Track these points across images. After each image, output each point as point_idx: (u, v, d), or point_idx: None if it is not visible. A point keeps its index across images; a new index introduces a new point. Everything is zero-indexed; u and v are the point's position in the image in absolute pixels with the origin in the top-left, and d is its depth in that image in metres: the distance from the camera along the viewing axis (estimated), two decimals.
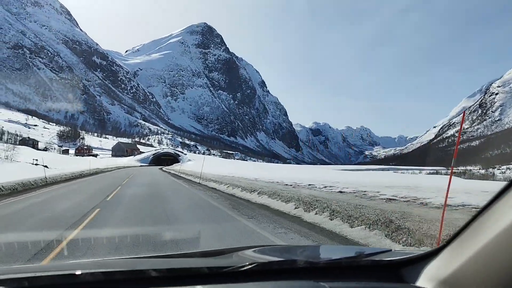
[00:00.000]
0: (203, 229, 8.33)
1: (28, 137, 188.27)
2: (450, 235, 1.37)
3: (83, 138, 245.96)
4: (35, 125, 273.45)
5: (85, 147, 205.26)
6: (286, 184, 19.80)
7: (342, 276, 1.53)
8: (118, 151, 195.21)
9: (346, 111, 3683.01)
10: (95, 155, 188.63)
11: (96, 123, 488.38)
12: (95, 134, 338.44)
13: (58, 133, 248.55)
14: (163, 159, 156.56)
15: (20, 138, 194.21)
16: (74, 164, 57.31)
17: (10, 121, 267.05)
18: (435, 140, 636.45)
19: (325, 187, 16.92)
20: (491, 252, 1.07)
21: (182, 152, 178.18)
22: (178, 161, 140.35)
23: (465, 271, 1.14)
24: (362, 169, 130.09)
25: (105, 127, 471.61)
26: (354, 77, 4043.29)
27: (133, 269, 1.58)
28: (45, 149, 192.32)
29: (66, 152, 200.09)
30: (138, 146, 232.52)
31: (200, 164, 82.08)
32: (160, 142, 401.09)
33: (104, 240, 7.19)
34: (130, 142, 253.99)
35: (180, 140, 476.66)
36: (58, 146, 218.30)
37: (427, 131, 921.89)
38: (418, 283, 1.35)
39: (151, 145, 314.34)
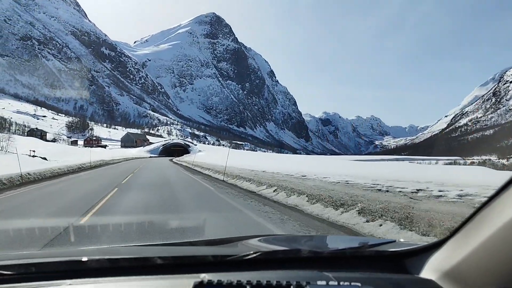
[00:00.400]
0: None
1: (36, 128, 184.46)
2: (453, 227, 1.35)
3: (92, 129, 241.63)
4: (44, 116, 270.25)
5: (94, 138, 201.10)
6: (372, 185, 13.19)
7: (346, 266, 1.52)
8: (127, 141, 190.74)
9: (356, 101, 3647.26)
10: (104, 146, 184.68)
11: (105, 114, 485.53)
12: (104, 125, 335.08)
13: (67, 124, 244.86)
14: (173, 150, 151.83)
15: (28, 129, 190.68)
16: (77, 155, 52.49)
17: (19, 112, 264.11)
18: (447, 130, 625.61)
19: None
20: (495, 244, 1.06)
21: (192, 143, 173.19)
22: (188, 152, 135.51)
23: (469, 263, 1.14)
24: (376, 159, 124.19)
25: (114, 118, 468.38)
26: (364, 66, 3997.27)
27: (138, 256, 1.58)
28: (54, 140, 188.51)
29: (75, 143, 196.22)
30: (147, 136, 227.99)
31: (212, 155, 76.34)
32: (169, 133, 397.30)
33: None
34: (139, 132, 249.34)
35: (190, 130, 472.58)
36: (67, 137, 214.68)
37: (438, 120, 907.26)
38: (421, 274, 1.36)
39: (160, 136, 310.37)
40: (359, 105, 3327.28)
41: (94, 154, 59.06)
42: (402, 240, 2.55)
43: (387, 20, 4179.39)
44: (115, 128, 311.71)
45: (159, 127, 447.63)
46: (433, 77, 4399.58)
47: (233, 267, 1.46)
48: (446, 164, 78.25)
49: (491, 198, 1.10)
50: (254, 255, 1.50)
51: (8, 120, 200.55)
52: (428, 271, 1.32)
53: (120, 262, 1.49)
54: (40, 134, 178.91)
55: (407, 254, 1.53)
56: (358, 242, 2.03)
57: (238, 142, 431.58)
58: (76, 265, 1.43)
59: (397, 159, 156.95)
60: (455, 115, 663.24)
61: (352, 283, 1.08)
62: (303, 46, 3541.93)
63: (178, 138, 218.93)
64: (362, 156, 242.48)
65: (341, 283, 1.08)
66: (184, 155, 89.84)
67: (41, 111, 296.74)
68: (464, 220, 1.25)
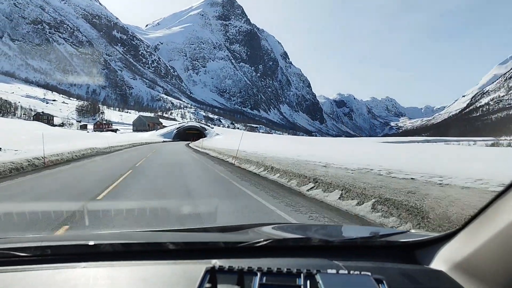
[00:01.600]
0: None
1: (43, 112, 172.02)
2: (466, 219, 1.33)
3: (102, 113, 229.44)
4: (54, 100, 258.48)
5: (104, 122, 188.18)
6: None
7: (357, 255, 1.51)
8: (139, 125, 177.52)
9: (370, 82, 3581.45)
10: (115, 130, 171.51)
11: (118, 98, 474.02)
12: (116, 109, 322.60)
13: (77, 108, 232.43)
14: (188, 134, 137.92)
15: (35, 113, 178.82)
16: (80, 141, 39.61)
17: (28, 96, 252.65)
18: (467, 110, 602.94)
19: None
20: (508, 236, 1.05)
21: (209, 125, 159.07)
22: (204, 136, 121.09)
23: (481, 254, 1.12)
24: (404, 141, 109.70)
25: (127, 102, 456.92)
26: (379, 47, 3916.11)
27: (151, 241, 1.59)
28: (62, 125, 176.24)
29: (84, 127, 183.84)
30: (161, 120, 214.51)
31: (233, 138, 61.44)
32: (183, 116, 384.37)
33: None
34: (152, 115, 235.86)
35: (204, 114, 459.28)
36: (77, 121, 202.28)
37: (456, 100, 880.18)
38: (432, 265, 1.34)
39: (174, 119, 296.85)
40: (374, 86, 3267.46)
41: (94, 140, 45.25)
42: (413, 231, 2.68)
43: None
44: (127, 112, 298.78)
45: (173, 111, 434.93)
46: (449, 57, 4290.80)
47: (244, 254, 1.47)
48: (488, 145, 63.45)
49: (505, 191, 1.09)
50: (265, 242, 1.50)
51: (14, 104, 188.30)
52: (439, 262, 1.32)
53: (133, 247, 1.51)
54: (47, 119, 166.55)
55: (418, 245, 1.52)
56: (369, 232, 2.06)
57: (253, 125, 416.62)
58: (90, 248, 1.44)
59: (427, 141, 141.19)
60: (475, 94, 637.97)
61: (362, 272, 1.07)
62: (316, 27, 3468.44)
63: (194, 121, 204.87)
64: (389, 137, 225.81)
65: (351, 272, 1.07)
66: (201, 139, 76.32)
67: (52, 95, 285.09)
68: (477, 211, 1.23)
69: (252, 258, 1.38)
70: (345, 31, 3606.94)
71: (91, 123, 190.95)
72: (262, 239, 1.51)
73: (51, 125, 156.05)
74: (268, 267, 1.09)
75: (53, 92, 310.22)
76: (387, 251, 1.57)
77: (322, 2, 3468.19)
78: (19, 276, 1.17)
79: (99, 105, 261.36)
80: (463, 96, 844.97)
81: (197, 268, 1.11)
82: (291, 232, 2.11)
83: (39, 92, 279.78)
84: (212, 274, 0.94)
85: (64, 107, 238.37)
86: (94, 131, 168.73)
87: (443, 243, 1.37)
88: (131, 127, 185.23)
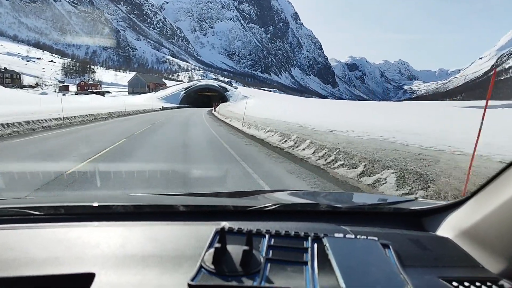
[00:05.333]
0: None
1: (5, 68, 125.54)
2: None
3: (94, 72, 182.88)
4: (39, 58, 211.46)
5: (91, 83, 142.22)
6: None
7: (364, 221, 1.47)
8: (136, 86, 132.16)
9: (382, 45, 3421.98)
10: (102, 93, 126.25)
11: (120, 60, 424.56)
12: (111, 69, 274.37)
13: (63, 67, 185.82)
14: (201, 97, 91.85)
15: None
16: None
17: (8, 53, 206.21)
18: (491, 72, 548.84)
19: None
20: None
21: (230, 84, 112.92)
22: (226, 99, 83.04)
23: (488, 223, 1.10)
24: (478, 105, 72.13)
25: (130, 64, 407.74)
26: (390, 8, 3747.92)
27: (161, 203, 1.59)
28: (35, 86, 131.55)
29: (65, 88, 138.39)
30: (165, 81, 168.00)
31: (274, 104, 48.09)
32: (191, 79, 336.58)
33: None
34: (153, 75, 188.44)
35: (213, 76, 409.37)
36: (59, 82, 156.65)
37: (472, 63, 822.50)
38: (438, 232, 1.32)
39: (181, 82, 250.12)
40: (387, 49, 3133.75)
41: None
42: (421, 199, 2.48)
43: None
44: (124, 72, 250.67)
45: (179, 73, 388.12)
46: (463, 17, 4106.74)
47: (253, 217, 1.46)
48: None
49: None
50: (274, 206, 1.49)
51: None
52: (446, 229, 1.30)
53: (144, 208, 1.51)
54: (10, 77, 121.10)
55: (425, 213, 1.48)
56: (378, 199, 2.00)
57: (266, 89, 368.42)
58: (103, 209, 1.45)
59: (502, 106, 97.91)
60: (501, 55, 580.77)
61: (369, 237, 1.07)
62: None
63: (210, 79, 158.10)
64: (450, 101, 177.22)
65: (358, 236, 1.08)
66: (226, 105, 40.02)
67: (38, 53, 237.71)
68: (487, 180, 1.20)
69: (260, 222, 1.35)
70: None
71: (75, 84, 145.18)
72: (270, 204, 1.51)
73: (19, 88, 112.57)
74: (276, 230, 1.09)
75: (44, 51, 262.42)
76: (395, 218, 1.55)
77: None
78: (34, 233, 1.19)
79: (91, 66, 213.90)
80: (480, 58, 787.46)
81: (207, 229, 1.11)
82: (299, 198, 2.11)
83: (24, 49, 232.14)
84: (221, 235, 0.93)
85: (49, 66, 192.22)
86: (78, 93, 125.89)
87: (451, 211, 1.36)
88: (127, 89, 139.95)
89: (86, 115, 23.84)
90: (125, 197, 2.02)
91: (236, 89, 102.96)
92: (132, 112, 37.27)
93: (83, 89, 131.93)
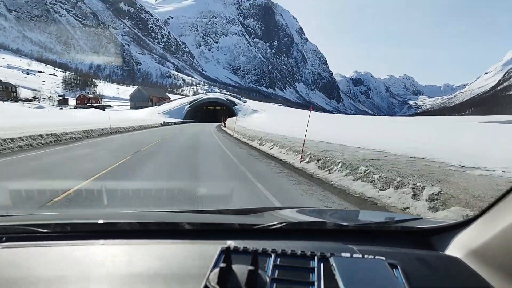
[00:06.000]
0: None
1: (0, 80, 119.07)
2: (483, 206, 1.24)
3: (95, 86, 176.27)
4: (39, 71, 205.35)
5: (90, 96, 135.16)
6: None
7: (371, 240, 1.44)
8: (138, 100, 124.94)
9: (387, 60, 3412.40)
10: (102, 107, 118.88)
11: (125, 74, 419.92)
12: (114, 83, 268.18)
13: (64, 80, 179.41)
14: (208, 112, 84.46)
15: None
16: None
17: (9, 66, 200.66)
18: (500, 86, 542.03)
19: None
20: None
21: (239, 98, 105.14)
22: (234, 114, 76.06)
23: (498, 242, 1.06)
24: (494, 120, 75.11)
25: (135, 78, 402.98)
26: (395, 23, 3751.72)
27: (168, 221, 1.57)
28: (32, 99, 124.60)
29: (64, 102, 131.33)
30: (169, 95, 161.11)
31: (286, 119, 46.73)
32: (195, 94, 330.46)
33: None
34: (155, 89, 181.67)
35: (218, 91, 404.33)
36: (59, 95, 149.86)
37: (478, 77, 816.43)
38: (447, 252, 1.28)
39: (186, 96, 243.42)
40: (391, 64, 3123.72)
41: None
42: (429, 217, 2.39)
43: None
44: (127, 85, 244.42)
45: (184, 88, 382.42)
46: (468, 33, 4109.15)
47: (259, 236, 1.44)
48: None
49: None
50: (280, 225, 1.46)
51: None
52: (455, 249, 1.26)
53: (150, 226, 1.50)
54: (6, 90, 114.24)
55: (434, 231, 1.45)
56: (385, 217, 1.96)
57: (271, 104, 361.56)
58: (108, 226, 1.44)
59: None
60: (508, 70, 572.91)
61: (377, 257, 1.03)
62: (331, 2, 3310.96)
63: (217, 92, 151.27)
64: (462, 116, 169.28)
65: (365, 256, 1.04)
66: (232, 119, 46.61)
67: (40, 66, 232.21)
68: (496, 199, 1.17)
69: (266, 240, 1.34)
70: (361, 7, 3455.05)
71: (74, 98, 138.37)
72: (276, 222, 1.48)
73: (16, 101, 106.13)
74: (282, 249, 1.08)
75: (47, 65, 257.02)
76: (402, 237, 1.51)
77: None
78: (41, 251, 1.18)
79: (94, 79, 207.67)
80: (486, 73, 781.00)
81: (212, 248, 1.10)
82: (306, 216, 2.08)
83: (25, 63, 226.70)
84: (227, 254, 0.91)
85: (49, 80, 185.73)
86: (77, 107, 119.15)
87: (460, 229, 1.32)
88: (129, 103, 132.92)
89: (46, 135, 15.85)
90: (130, 214, 2.00)
91: (245, 102, 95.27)
92: (122, 129, 29.17)
93: (82, 103, 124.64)
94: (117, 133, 25.95)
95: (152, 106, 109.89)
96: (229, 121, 48.53)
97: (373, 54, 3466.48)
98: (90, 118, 46.30)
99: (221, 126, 46.49)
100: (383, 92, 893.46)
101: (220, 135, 26.14)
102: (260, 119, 55.10)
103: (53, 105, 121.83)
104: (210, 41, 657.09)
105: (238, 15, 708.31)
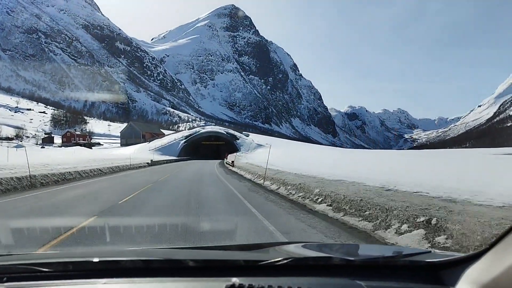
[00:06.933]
0: None
1: None
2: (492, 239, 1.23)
3: (86, 123, 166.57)
4: (29, 109, 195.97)
5: (77, 134, 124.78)
6: None
7: (379, 275, 1.41)
8: (129, 137, 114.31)
9: (381, 94, 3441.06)
10: (90, 146, 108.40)
11: (119, 112, 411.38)
12: (117, 121, 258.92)
13: (53, 118, 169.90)
14: (207, 147, 73.95)
15: None
16: None
17: None
18: (496, 119, 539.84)
19: None
20: None
21: (240, 132, 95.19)
22: (236, 149, 67.34)
23: (509, 276, 1.03)
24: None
25: (130, 116, 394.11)
26: (387, 58, 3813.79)
27: (171, 258, 1.54)
28: (13, 138, 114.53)
29: (49, 140, 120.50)
30: (163, 131, 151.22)
31: (294, 153, 48.40)
32: (191, 129, 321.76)
33: None
34: (148, 124, 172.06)
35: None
36: (45, 133, 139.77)
37: (471, 110, 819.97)
38: (458, 287, 1.23)
39: (181, 131, 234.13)
40: (385, 98, 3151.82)
41: None
42: (437, 251, 2.45)
43: (408, 8, 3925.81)
44: (120, 122, 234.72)
45: (180, 124, 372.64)
46: (460, 66, 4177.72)
47: (264, 272, 1.39)
48: None
49: None
50: (285, 261, 1.42)
51: None
52: (465, 283, 1.21)
53: (153, 264, 1.46)
54: None
55: (443, 266, 1.40)
56: (392, 251, 1.91)
57: (275, 138, 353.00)
58: (111, 265, 1.41)
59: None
60: (503, 102, 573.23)
61: None
62: (324, 39, 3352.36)
63: (215, 126, 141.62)
64: (476, 149, 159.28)
65: None
66: (236, 155, 40.93)
67: (31, 104, 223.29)
68: (504, 231, 1.15)
69: (272, 277, 1.30)
70: (353, 44, 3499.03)
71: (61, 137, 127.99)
72: (282, 258, 1.44)
73: None
74: (289, 286, 1.05)
75: (38, 103, 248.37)
76: (411, 272, 1.46)
77: (330, 15, 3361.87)
78: None
79: (85, 117, 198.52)
80: (479, 106, 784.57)
81: (217, 286, 1.07)
82: (312, 251, 2.00)
83: (14, 101, 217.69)
84: None
85: (38, 118, 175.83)
86: (62, 145, 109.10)
87: (470, 263, 1.27)
88: (120, 140, 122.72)
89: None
90: (133, 252, 1.97)
91: (248, 136, 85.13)
92: (82, 174, 18.70)
93: (69, 141, 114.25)
94: (73, 182, 15.24)
95: (146, 142, 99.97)
96: (230, 157, 42.22)
97: (367, 89, 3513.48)
98: (60, 158, 35.93)
99: (226, 164, 40.12)
100: (378, 126, 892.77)
101: (234, 182, 15.57)
102: (271, 155, 45.03)
103: (37, 144, 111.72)
104: (206, 78, 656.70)
105: (233, 53, 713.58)
